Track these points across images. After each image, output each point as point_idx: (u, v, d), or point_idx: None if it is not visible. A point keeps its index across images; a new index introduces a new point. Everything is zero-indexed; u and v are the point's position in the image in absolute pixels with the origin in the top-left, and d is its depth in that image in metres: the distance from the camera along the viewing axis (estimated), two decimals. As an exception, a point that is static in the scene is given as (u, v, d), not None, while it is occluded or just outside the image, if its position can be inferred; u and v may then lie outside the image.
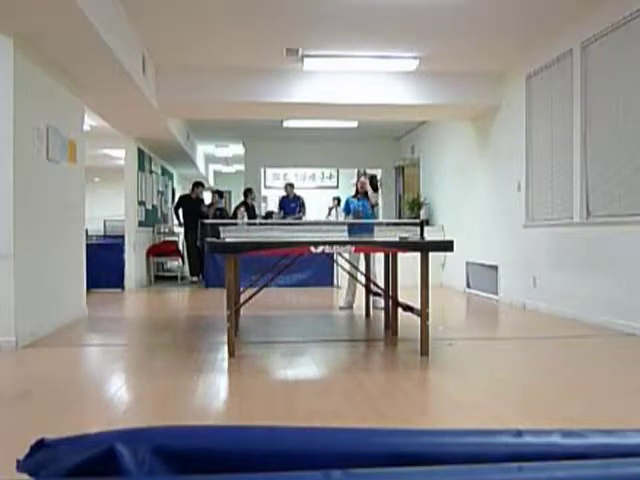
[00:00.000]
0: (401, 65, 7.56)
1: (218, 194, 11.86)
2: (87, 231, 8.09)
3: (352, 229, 6.23)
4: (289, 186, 11.71)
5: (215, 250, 5.03)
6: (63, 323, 5.86)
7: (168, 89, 7.71)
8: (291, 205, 11.48)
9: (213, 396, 3.57)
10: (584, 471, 0.91)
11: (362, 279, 6.61)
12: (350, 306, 7.24)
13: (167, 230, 12.98)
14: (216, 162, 17.51)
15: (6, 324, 4.77)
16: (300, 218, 11.16)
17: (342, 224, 7.60)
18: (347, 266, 7.02)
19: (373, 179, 7.95)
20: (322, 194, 15.49)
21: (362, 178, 7.58)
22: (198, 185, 11.49)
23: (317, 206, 14.31)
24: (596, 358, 4.70)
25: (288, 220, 10.40)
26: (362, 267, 6.75)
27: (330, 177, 16.64)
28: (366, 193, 7.36)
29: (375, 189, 7.64)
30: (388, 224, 8.72)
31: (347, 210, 7.40)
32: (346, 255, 6.47)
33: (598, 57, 5.96)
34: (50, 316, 5.57)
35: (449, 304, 8.37)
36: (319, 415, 3.12)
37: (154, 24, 6.25)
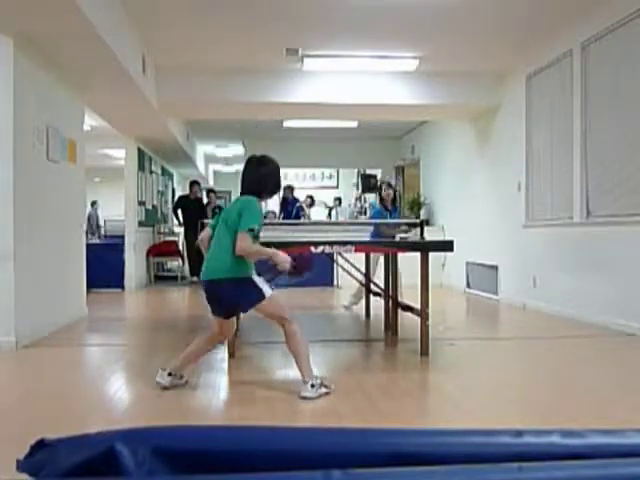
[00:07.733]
0: (401, 65, 7.56)
1: (212, 192, 11.87)
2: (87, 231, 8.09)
3: (375, 234, 6.13)
4: (286, 189, 11.45)
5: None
6: (63, 323, 5.86)
7: (168, 89, 7.71)
8: (288, 209, 11.41)
9: (213, 396, 3.57)
10: (584, 471, 0.91)
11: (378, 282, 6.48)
12: (351, 307, 7.23)
13: (167, 230, 12.98)
14: (216, 162, 17.51)
15: (6, 324, 4.78)
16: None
17: (342, 224, 7.53)
18: (356, 267, 6.96)
19: (393, 189, 7.46)
20: (322, 194, 15.48)
21: (389, 190, 7.15)
22: (195, 184, 11.46)
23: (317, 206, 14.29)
24: (596, 358, 4.69)
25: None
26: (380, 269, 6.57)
27: (330, 177, 16.64)
28: (394, 203, 7.13)
29: (393, 201, 7.27)
30: (388, 224, 8.67)
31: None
32: (347, 255, 6.44)
33: (598, 57, 5.96)
34: (50, 316, 5.57)
35: (449, 304, 8.36)
36: (319, 415, 3.12)
37: (154, 24, 6.25)
